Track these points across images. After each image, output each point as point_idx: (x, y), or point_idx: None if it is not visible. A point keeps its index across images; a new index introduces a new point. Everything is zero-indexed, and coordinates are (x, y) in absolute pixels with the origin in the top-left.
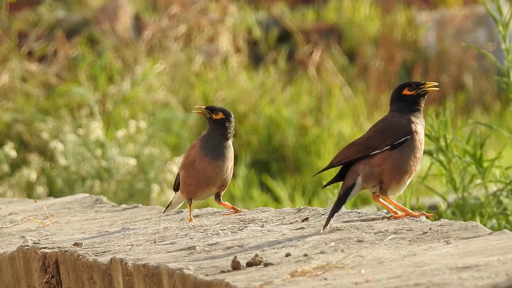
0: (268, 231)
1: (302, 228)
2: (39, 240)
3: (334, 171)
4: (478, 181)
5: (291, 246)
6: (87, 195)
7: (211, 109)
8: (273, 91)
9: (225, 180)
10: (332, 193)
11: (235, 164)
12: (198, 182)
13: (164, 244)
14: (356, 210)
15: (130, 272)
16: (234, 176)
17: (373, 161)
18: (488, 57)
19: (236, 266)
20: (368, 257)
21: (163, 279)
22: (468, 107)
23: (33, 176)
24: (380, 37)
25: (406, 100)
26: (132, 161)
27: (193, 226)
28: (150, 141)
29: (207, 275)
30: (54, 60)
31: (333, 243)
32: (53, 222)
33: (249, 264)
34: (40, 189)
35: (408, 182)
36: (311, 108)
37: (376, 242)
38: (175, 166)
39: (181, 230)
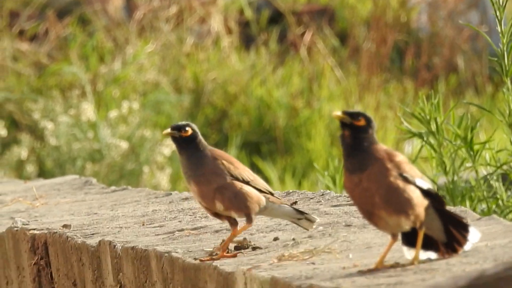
0: None
1: None
2: (29, 222)
3: (325, 152)
4: (469, 164)
5: (279, 230)
6: (77, 176)
7: (178, 128)
8: (264, 72)
9: (217, 203)
10: (322, 175)
11: (226, 146)
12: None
13: (153, 227)
14: (345, 194)
15: (118, 254)
16: None
17: None
18: (480, 39)
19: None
20: (356, 242)
21: (151, 262)
22: (460, 89)
23: (23, 154)
24: (372, 18)
25: None
26: (124, 144)
27: (182, 209)
28: (142, 123)
29: (195, 258)
30: (45, 40)
31: (321, 227)
32: (42, 204)
33: (237, 248)
34: (31, 168)
35: None
36: (302, 89)
37: (365, 226)
38: (165, 148)
39: (170, 213)
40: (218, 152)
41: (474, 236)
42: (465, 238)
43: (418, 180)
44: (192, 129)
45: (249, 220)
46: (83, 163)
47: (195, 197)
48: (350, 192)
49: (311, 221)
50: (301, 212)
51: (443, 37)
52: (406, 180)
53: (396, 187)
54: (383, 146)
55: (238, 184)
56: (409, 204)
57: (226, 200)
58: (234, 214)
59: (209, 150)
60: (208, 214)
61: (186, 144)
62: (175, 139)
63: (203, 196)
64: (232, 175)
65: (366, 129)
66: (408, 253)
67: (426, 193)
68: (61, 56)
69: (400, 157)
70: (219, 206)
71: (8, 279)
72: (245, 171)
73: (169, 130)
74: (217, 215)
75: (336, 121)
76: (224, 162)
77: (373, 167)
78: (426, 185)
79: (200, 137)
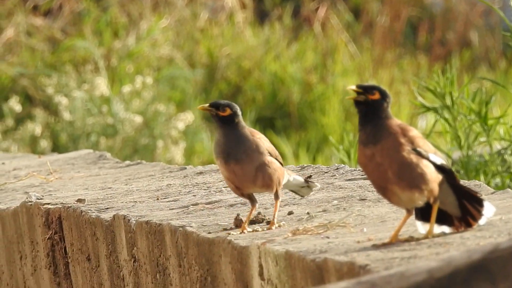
0: None
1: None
2: (43, 196)
3: (339, 127)
4: (483, 139)
5: (294, 204)
6: (91, 151)
7: (216, 105)
8: (278, 47)
9: (258, 181)
10: (337, 149)
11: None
12: (229, 185)
13: (167, 201)
14: (360, 168)
15: (133, 229)
16: None
17: None
18: (493, 14)
19: (238, 224)
20: (371, 216)
21: (165, 236)
22: (473, 64)
23: (37, 130)
24: None
25: None
26: (138, 118)
27: (196, 183)
28: (156, 97)
29: (209, 232)
30: (59, 15)
31: (335, 202)
32: (56, 178)
33: (251, 222)
34: (44, 143)
35: None
36: (316, 64)
37: (379, 200)
38: (180, 122)
39: (184, 187)
40: (253, 130)
41: (488, 210)
42: (479, 213)
43: (431, 155)
44: (232, 110)
45: (277, 196)
46: (97, 138)
47: (229, 176)
48: (364, 167)
49: (310, 188)
50: (306, 181)
51: (457, 13)
52: (420, 155)
53: (409, 162)
54: (397, 120)
55: (274, 161)
56: (422, 179)
57: (267, 177)
58: (267, 191)
59: (247, 129)
60: (233, 191)
61: (223, 122)
62: (212, 116)
63: (244, 175)
64: (269, 153)
65: (381, 103)
66: (422, 228)
67: (439, 168)
68: (75, 32)
69: (414, 132)
70: (258, 184)
71: (22, 253)
72: (273, 147)
73: (207, 105)
74: (242, 194)
75: (350, 96)
76: (262, 139)
77: (386, 141)
78: (440, 160)
79: (240, 118)
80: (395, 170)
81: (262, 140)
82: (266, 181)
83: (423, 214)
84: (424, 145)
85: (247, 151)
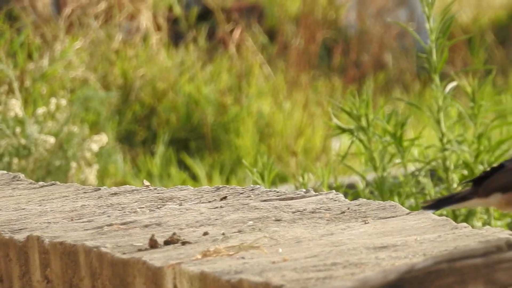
0: (186, 209)
1: (221, 207)
2: None
3: (253, 149)
4: (398, 160)
5: (209, 224)
6: (5, 172)
7: None
8: (193, 69)
9: None
10: (251, 172)
11: (154, 143)
12: None
13: (82, 222)
14: (275, 189)
15: (46, 249)
16: (151, 154)
17: None
18: (408, 37)
19: (153, 244)
20: (286, 236)
21: (80, 257)
22: (387, 86)
23: None
24: (300, 16)
25: None
26: (51, 139)
27: (111, 204)
28: (70, 119)
29: (124, 253)
30: None
31: (251, 222)
32: None
33: (166, 243)
34: None
35: None
36: (230, 86)
37: (294, 221)
38: (93, 144)
39: (99, 208)
40: None
41: None
42: None
43: None
44: None
45: None
46: (10, 159)
47: None
48: None
49: None
50: None
51: (371, 35)
52: None
53: None
54: None
55: None
56: None
57: None
58: None
59: None
60: None
61: None
62: None
63: None
64: None
65: None
66: None
67: None
68: None
69: None
70: None
71: None
72: None
73: None
74: None
75: (265, 118)
76: None
77: None
78: None
79: None
80: None
81: None
82: None
83: None
84: None
85: None
